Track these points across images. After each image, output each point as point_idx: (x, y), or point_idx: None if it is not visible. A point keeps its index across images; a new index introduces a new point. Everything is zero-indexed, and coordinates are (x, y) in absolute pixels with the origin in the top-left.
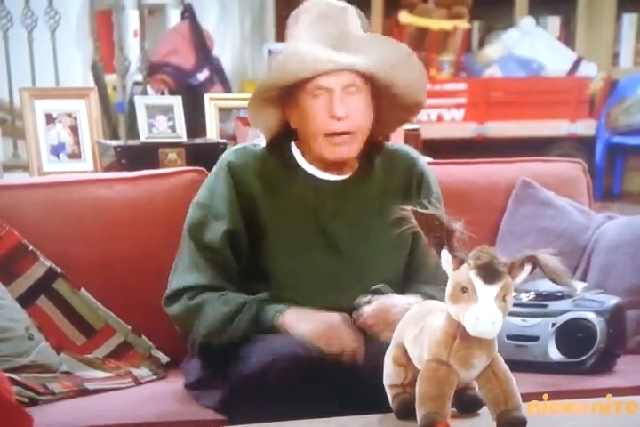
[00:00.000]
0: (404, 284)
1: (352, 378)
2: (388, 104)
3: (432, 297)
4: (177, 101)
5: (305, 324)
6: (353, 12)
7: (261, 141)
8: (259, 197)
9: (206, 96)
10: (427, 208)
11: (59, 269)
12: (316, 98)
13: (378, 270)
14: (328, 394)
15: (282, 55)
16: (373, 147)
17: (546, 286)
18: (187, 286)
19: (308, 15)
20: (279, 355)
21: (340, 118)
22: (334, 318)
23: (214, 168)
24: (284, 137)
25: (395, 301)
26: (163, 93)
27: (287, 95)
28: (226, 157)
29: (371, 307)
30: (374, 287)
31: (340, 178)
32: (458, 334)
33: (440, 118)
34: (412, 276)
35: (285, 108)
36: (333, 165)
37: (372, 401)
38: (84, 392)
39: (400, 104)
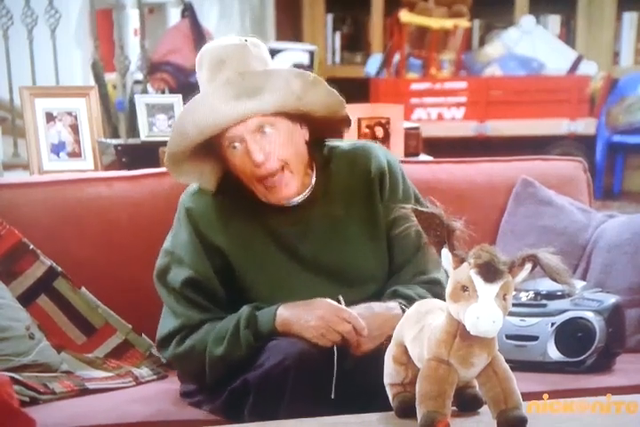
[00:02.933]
0: (394, 282)
1: (352, 377)
2: (319, 122)
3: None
4: (177, 100)
5: (297, 326)
6: (250, 46)
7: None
8: (222, 240)
9: None
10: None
11: (59, 268)
12: (234, 149)
13: (360, 279)
14: (327, 393)
15: (183, 114)
16: (325, 157)
17: (544, 285)
18: (169, 332)
19: (206, 63)
20: (290, 354)
21: (258, 165)
22: (320, 309)
23: (176, 214)
24: (228, 177)
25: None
26: (163, 92)
27: (210, 146)
28: (183, 202)
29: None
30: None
31: (299, 200)
32: (458, 333)
33: (440, 117)
34: (400, 270)
35: (218, 155)
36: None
37: (372, 400)
38: (85, 392)
39: (330, 121)
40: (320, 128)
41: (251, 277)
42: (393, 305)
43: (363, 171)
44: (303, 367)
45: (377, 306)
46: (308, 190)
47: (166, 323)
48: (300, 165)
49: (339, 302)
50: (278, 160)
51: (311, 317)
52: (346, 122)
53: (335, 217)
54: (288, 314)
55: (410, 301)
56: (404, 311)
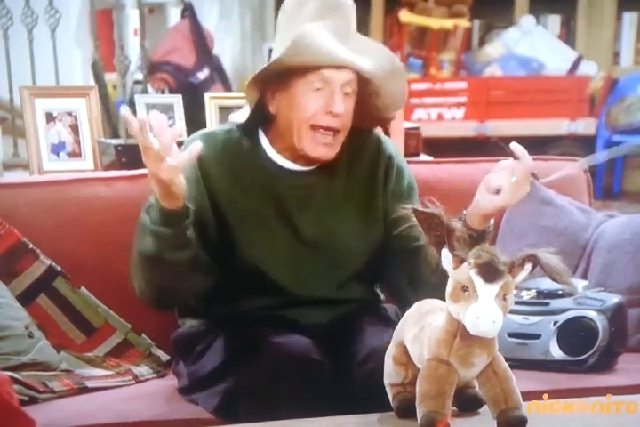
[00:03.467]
0: (383, 270)
1: (351, 377)
2: (360, 111)
3: None
4: (177, 100)
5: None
6: (354, 9)
7: (236, 117)
8: (222, 185)
9: (207, 95)
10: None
11: (59, 268)
12: (313, 88)
13: (347, 258)
14: (325, 394)
15: (296, 39)
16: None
17: (547, 284)
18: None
19: (315, 3)
20: (280, 356)
21: (336, 115)
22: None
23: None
24: (252, 121)
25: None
26: (163, 92)
27: (276, 78)
28: (193, 138)
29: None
30: None
31: (305, 169)
32: (458, 333)
33: (440, 117)
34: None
35: (268, 90)
36: (304, 157)
37: (373, 400)
38: (84, 390)
39: (370, 114)
40: (360, 114)
41: (235, 229)
42: None
43: (370, 154)
44: (294, 369)
45: None
46: (316, 164)
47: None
48: (340, 143)
49: None
50: (342, 124)
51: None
52: (384, 122)
53: (336, 193)
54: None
55: None
56: None
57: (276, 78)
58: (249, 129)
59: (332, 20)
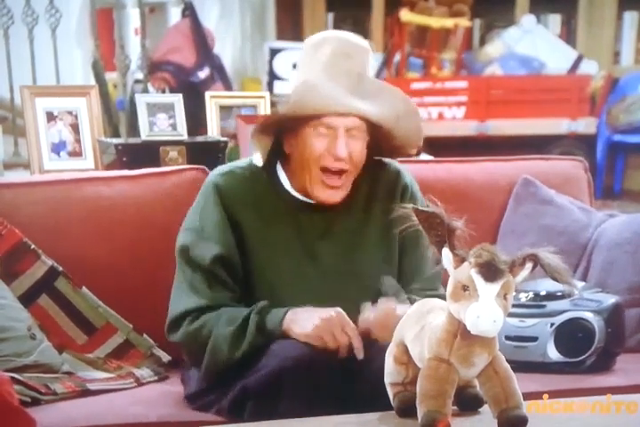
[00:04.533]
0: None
1: (353, 377)
2: (375, 149)
3: None
4: (178, 99)
5: (300, 326)
6: (371, 53)
7: (252, 159)
8: (246, 222)
9: (207, 94)
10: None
11: (60, 268)
12: (319, 133)
13: (368, 288)
14: (329, 393)
15: (301, 88)
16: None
17: (544, 285)
18: (187, 309)
19: (328, 49)
20: (289, 358)
21: (339, 159)
22: (328, 313)
23: (201, 192)
24: (270, 157)
25: (395, 307)
26: (163, 91)
27: (286, 122)
28: (213, 180)
29: (373, 312)
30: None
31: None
32: (459, 333)
33: (441, 116)
34: (407, 284)
35: (283, 131)
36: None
37: (373, 400)
38: (86, 393)
39: (386, 152)
40: (379, 149)
41: (260, 262)
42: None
43: (388, 184)
44: (300, 372)
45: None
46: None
47: (184, 301)
48: (350, 183)
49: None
50: (350, 164)
51: (316, 318)
52: (404, 155)
53: (356, 224)
54: (295, 315)
55: None
56: None
57: (286, 122)
58: (267, 165)
59: (343, 67)
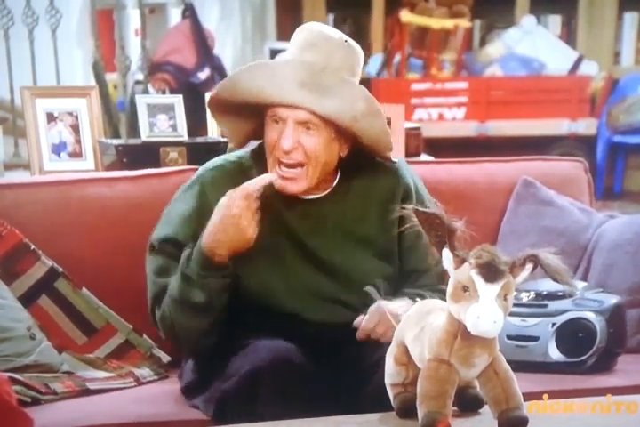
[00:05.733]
0: (397, 288)
1: (352, 377)
2: (363, 146)
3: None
4: (178, 100)
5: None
6: (345, 47)
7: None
8: None
9: (207, 95)
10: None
11: (60, 269)
12: (274, 122)
13: (359, 283)
14: (323, 395)
15: (248, 69)
16: (357, 165)
17: (545, 285)
18: (151, 299)
19: (299, 39)
20: (267, 360)
21: (285, 151)
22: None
23: (188, 183)
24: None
25: (390, 306)
26: (164, 92)
27: (251, 106)
28: (201, 174)
29: (369, 314)
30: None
31: (315, 196)
32: (459, 333)
33: (441, 117)
34: (407, 280)
35: (256, 118)
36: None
37: (374, 400)
38: (86, 392)
39: (368, 150)
40: (360, 150)
41: (249, 258)
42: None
43: (388, 182)
44: (274, 374)
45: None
46: (329, 189)
47: (148, 292)
48: (321, 173)
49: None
50: (304, 155)
51: (221, 217)
52: (383, 155)
53: (349, 219)
54: (208, 237)
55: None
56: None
57: (250, 107)
58: (256, 158)
59: (307, 56)
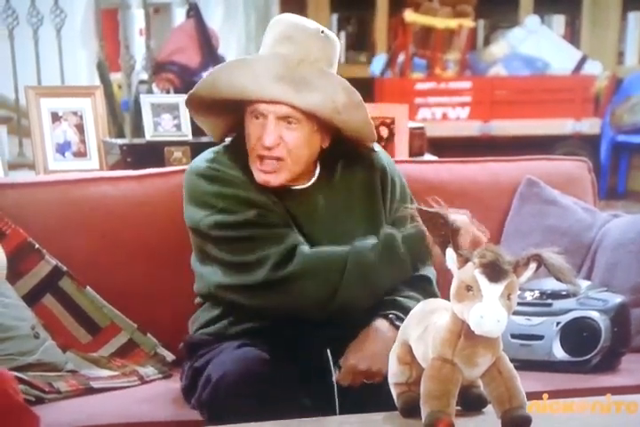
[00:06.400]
0: None
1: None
2: (345, 138)
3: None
4: (182, 100)
5: None
6: (322, 38)
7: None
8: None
9: None
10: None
11: (64, 268)
12: (254, 118)
13: None
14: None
15: (224, 67)
16: (336, 153)
17: (550, 284)
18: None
19: (274, 31)
20: (230, 369)
21: (267, 147)
22: None
23: (185, 180)
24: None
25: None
26: (168, 92)
27: (229, 103)
28: (198, 167)
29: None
30: None
31: (301, 187)
32: (462, 333)
33: (445, 117)
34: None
35: (234, 113)
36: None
37: (377, 400)
38: (90, 391)
39: (351, 141)
40: (341, 141)
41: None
42: (384, 329)
43: (365, 166)
44: (240, 384)
45: (371, 347)
46: (314, 178)
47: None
48: (302, 165)
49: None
50: (285, 151)
51: None
52: (367, 145)
53: (337, 206)
54: None
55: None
56: (393, 324)
57: (230, 104)
58: (234, 152)
59: (283, 50)
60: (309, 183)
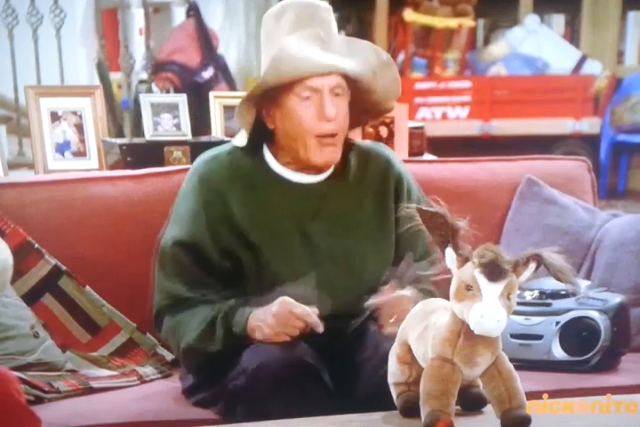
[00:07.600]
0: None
1: (354, 376)
2: (358, 107)
3: (429, 291)
4: (182, 100)
5: (261, 333)
6: (330, 10)
7: (237, 141)
8: (239, 206)
9: (211, 94)
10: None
11: (64, 267)
12: (304, 99)
13: (359, 267)
14: (326, 394)
15: (274, 55)
16: (345, 146)
17: (550, 284)
18: (159, 307)
19: (291, 15)
20: (265, 361)
21: (330, 119)
22: (275, 308)
23: (186, 179)
24: (255, 138)
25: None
26: (168, 91)
27: (267, 95)
28: (198, 168)
29: (384, 298)
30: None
31: (315, 180)
32: (462, 332)
33: (445, 116)
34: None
35: (264, 108)
36: (313, 167)
37: (377, 399)
38: (90, 391)
39: (369, 109)
40: (359, 109)
41: (253, 245)
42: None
43: (379, 170)
44: (280, 372)
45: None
46: (326, 174)
47: (155, 300)
48: (341, 145)
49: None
50: (337, 126)
51: (269, 319)
52: (383, 113)
53: (347, 204)
54: (255, 321)
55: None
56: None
57: (267, 95)
58: (252, 148)
59: (310, 29)
60: (323, 177)
